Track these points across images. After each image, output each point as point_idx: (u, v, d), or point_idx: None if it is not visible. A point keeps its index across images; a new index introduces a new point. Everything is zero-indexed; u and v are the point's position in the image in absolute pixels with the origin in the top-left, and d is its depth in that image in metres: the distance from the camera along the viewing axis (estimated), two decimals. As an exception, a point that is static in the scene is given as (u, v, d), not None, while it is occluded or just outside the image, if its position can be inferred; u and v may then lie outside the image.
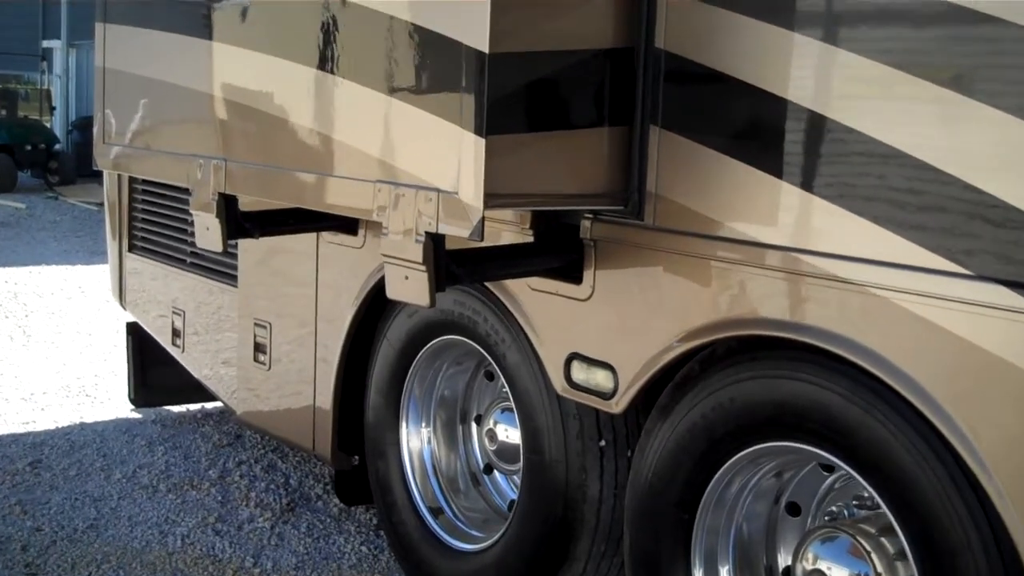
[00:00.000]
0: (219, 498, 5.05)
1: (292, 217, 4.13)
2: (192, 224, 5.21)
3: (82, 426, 6.05)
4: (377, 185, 3.21)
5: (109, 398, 6.57)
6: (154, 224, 5.65)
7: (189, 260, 5.37)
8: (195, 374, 5.38)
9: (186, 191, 5.22)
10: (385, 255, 3.21)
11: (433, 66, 3.07)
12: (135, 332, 6.04)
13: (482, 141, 2.86)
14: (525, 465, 3.72)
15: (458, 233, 2.96)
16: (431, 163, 3.05)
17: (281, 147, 3.63)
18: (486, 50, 2.84)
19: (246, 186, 3.84)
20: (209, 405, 6.34)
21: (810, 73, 2.77)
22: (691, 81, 3.03)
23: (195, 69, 4.04)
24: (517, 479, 4.12)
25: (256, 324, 4.80)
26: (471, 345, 3.92)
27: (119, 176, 5.81)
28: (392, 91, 3.18)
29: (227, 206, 3.95)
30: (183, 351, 5.41)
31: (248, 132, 3.81)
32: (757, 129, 2.89)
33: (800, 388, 2.83)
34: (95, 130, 4.72)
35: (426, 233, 3.05)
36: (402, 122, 3.15)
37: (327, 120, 3.45)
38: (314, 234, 4.41)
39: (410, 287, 3.14)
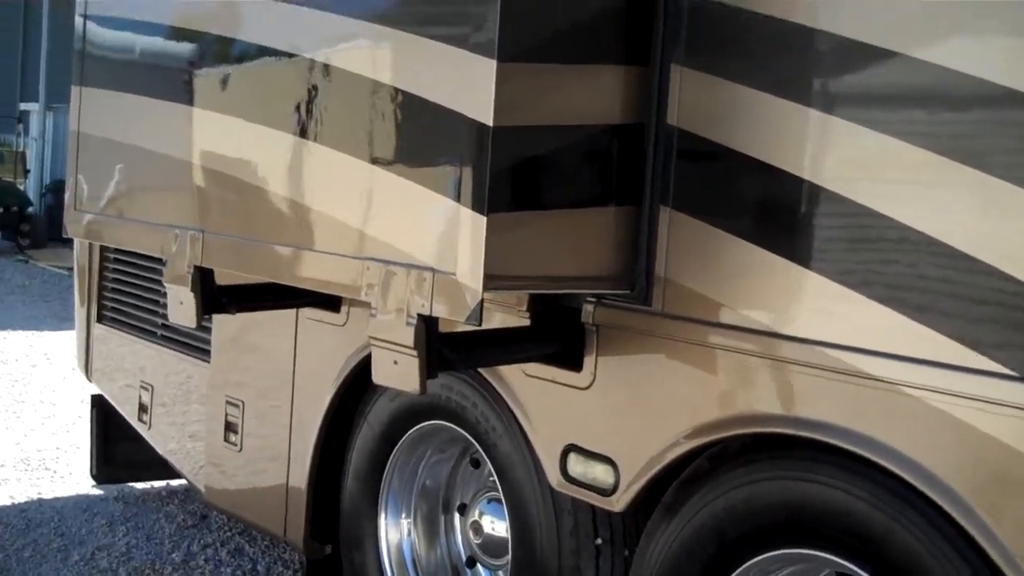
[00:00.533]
0: (183, 585, 4.78)
1: (271, 292, 3.91)
2: (165, 296, 5.04)
3: (40, 502, 5.76)
4: (365, 263, 3.01)
5: (70, 472, 6.27)
6: (124, 293, 5.42)
7: (160, 332, 5.13)
8: (161, 451, 5.12)
9: (158, 260, 5.05)
10: (373, 337, 2.99)
11: (428, 138, 2.88)
12: (100, 405, 5.78)
13: (482, 219, 2.66)
14: (513, 562, 3.48)
15: (454, 317, 2.75)
16: (424, 240, 2.86)
17: (262, 219, 3.42)
18: (490, 123, 2.65)
19: (223, 259, 3.63)
20: (174, 483, 6.06)
21: (834, 153, 2.60)
22: (705, 159, 2.85)
23: (172, 135, 3.84)
24: (503, 575, 3.90)
25: (228, 402, 4.56)
26: (458, 432, 3.70)
27: (90, 242, 5.59)
28: (381, 163, 2.99)
29: (203, 279, 3.73)
30: (149, 427, 5.15)
31: (227, 203, 3.61)
32: (775, 211, 2.71)
33: (819, 491, 2.62)
34: (67, 196, 4.51)
35: (418, 315, 2.85)
36: (392, 196, 2.96)
37: (312, 192, 3.25)
38: (293, 310, 4.19)
39: (399, 372, 2.92)
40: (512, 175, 2.73)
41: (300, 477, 4.21)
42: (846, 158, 2.58)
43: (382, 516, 3.99)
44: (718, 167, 2.82)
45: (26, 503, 5.73)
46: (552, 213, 2.82)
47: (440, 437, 3.87)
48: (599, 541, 3.31)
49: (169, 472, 5.88)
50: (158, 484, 6.06)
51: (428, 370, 2.88)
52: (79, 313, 5.78)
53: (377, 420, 3.94)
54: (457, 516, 4.03)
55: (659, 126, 2.88)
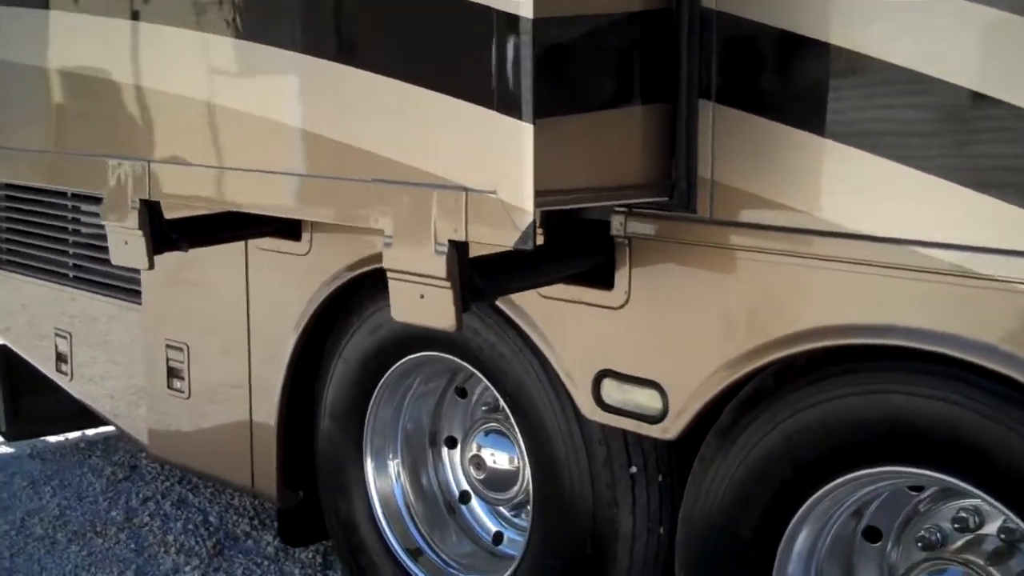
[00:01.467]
0: (132, 546, 4.38)
1: (225, 223, 3.50)
2: (75, 234, 4.55)
3: (-55, 468, 5.25)
4: (374, 185, 2.64)
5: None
6: (25, 234, 4.89)
7: (72, 275, 4.64)
8: (89, 404, 4.67)
9: (61, 195, 4.58)
10: (391, 270, 2.64)
11: (453, 40, 2.50)
12: (4, 356, 5.25)
13: (529, 128, 2.32)
14: (537, 500, 3.21)
15: (498, 242, 2.42)
16: (452, 157, 2.50)
17: (233, 144, 3.01)
18: (530, 15, 2.30)
19: (179, 190, 3.20)
20: (91, 432, 5.60)
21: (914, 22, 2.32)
22: (750, 44, 2.55)
23: (102, 55, 3.36)
24: (504, 510, 3.63)
25: (169, 346, 4.14)
26: (453, 362, 3.38)
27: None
28: (394, 72, 2.59)
29: (151, 215, 3.30)
30: (71, 378, 4.68)
31: (183, 127, 3.17)
32: (838, 96, 2.43)
33: (913, 403, 2.40)
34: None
35: (449, 242, 2.50)
36: (409, 109, 2.58)
37: (301, 109, 2.85)
38: (238, 242, 3.78)
39: (427, 307, 2.58)
40: (554, 75, 2.39)
41: (266, 421, 3.84)
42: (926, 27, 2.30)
43: (368, 459, 3.66)
44: (765, 51, 2.53)
45: (-71, 470, 5.22)
46: (593, 116, 2.49)
47: (429, 369, 3.55)
48: (633, 469, 3.06)
49: (84, 422, 5.45)
50: (73, 436, 5.58)
51: (463, 302, 2.55)
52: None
53: (355, 356, 3.59)
54: (446, 450, 3.73)
55: (693, 10, 2.56)
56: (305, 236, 3.60)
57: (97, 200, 4.38)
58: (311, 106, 2.81)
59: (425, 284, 2.56)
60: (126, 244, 3.35)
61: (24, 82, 3.73)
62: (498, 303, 3.08)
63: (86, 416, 5.36)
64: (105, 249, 4.32)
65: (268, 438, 3.84)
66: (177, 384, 4.14)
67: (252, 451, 3.91)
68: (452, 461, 3.74)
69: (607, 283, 2.85)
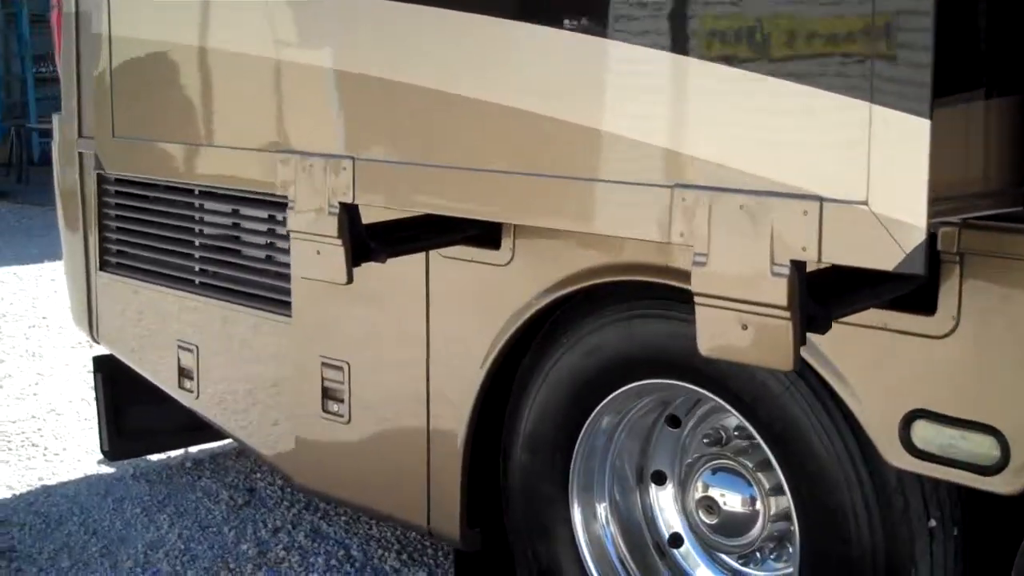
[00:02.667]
0: (274, 585, 3.95)
1: (424, 228, 3.06)
2: (202, 236, 4.10)
3: (46, 490, 4.81)
4: (678, 191, 2.19)
5: (64, 448, 5.31)
6: (140, 234, 4.44)
7: (199, 281, 4.19)
8: (219, 425, 4.22)
9: (186, 192, 4.13)
10: (703, 294, 2.19)
11: (806, 16, 2.05)
12: (105, 368, 4.82)
13: (924, 123, 1.87)
14: (808, 555, 2.76)
15: (872, 264, 1.98)
16: (800, 158, 2.05)
17: (485, 139, 2.55)
18: (929, -18, 1.85)
19: (400, 192, 2.75)
20: (194, 449, 5.17)
21: None
22: None
23: (294, 34, 2.91)
24: (728, 558, 3.18)
25: (326, 364, 3.69)
26: (694, 392, 2.94)
27: (80, 168, 4.57)
28: (716, 54, 2.14)
29: (351, 221, 2.85)
30: (197, 395, 4.24)
31: (410, 119, 2.71)
32: None
33: None
34: (94, 120, 3.52)
35: (791, 263, 2.06)
36: (737, 98, 2.12)
37: (579, 100, 2.38)
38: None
39: (753, 342, 2.14)
40: (957, 52, 1.94)
41: (448, 452, 3.39)
42: None
43: (574, 498, 3.22)
44: None
45: (29, 493, 4.78)
46: (987, 105, 2.04)
47: (654, 397, 3.11)
48: (932, 523, 2.62)
49: (189, 438, 5.04)
50: (175, 454, 5.15)
51: (801, 336, 2.10)
52: (71, 261, 4.77)
53: (564, 380, 3.14)
54: (653, 487, 3.29)
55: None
56: (506, 243, 3.15)
57: (230, 198, 3.98)
58: (589, 96, 2.36)
59: (751, 313, 2.12)
60: (318, 255, 2.89)
61: (173, 65, 3.30)
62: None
63: (191, 432, 4.98)
64: (237, 253, 3.92)
65: (450, 471, 3.39)
66: (334, 407, 3.70)
67: (429, 485, 3.46)
68: (660, 500, 3.30)
69: (927, 307, 2.40)
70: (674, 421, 3.20)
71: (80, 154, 4.58)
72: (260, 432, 4.02)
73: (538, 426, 3.23)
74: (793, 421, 2.70)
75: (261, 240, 3.95)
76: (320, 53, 2.84)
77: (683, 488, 3.21)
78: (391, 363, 3.51)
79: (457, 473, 3.38)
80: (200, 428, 4.99)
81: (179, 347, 4.27)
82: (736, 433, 3.08)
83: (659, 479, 3.28)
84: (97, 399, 4.87)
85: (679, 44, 2.19)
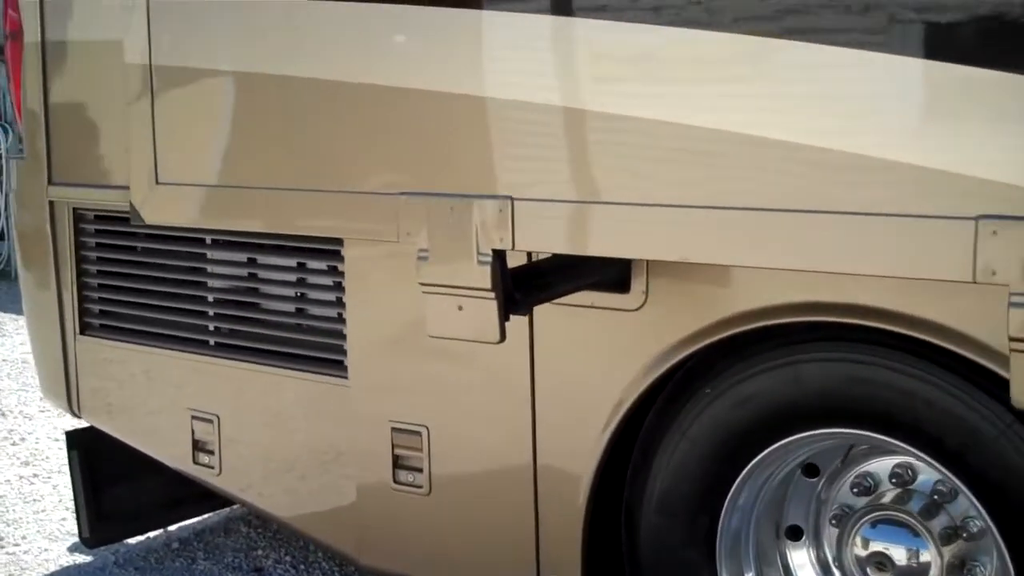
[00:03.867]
0: None
1: (551, 273, 2.71)
2: (212, 290, 3.64)
3: (26, 593, 4.22)
4: (988, 224, 1.91)
5: (23, 536, 4.69)
6: (133, 291, 3.94)
7: (215, 341, 3.73)
8: (251, 503, 3.75)
9: (194, 241, 3.67)
10: (1019, 340, 1.91)
11: None
12: (82, 444, 4.27)
13: None
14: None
15: None
16: None
17: (701, 170, 2.22)
18: None
19: (575, 235, 2.40)
20: (174, 527, 4.64)
21: None
22: None
23: (421, 58, 2.52)
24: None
25: (397, 429, 3.28)
26: (876, 439, 2.67)
27: (52, 218, 4.04)
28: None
29: (502, 269, 2.49)
30: (219, 471, 3.76)
31: (578, 152, 2.36)
32: None
33: None
34: (138, 168, 3.04)
35: None
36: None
37: (846, 122, 2.08)
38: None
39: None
40: None
41: (563, 524, 3.03)
42: None
43: (722, 564, 2.90)
44: None
45: (5, 596, 4.19)
46: None
47: (812, 447, 2.82)
48: None
49: (173, 515, 4.53)
50: (154, 534, 4.61)
51: None
52: (40, 323, 4.22)
53: (708, 434, 2.83)
54: (788, 544, 3.00)
55: None
56: (637, 287, 2.83)
57: (252, 246, 3.55)
58: (858, 117, 2.06)
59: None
60: (460, 311, 2.52)
61: (246, 97, 2.86)
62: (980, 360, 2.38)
63: (176, 508, 4.50)
64: (266, 308, 3.50)
65: (565, 544, 3.04)
66: (408, 477, 3.29)
67: (538, 563, 3.09)
68: (795, 557, 3.01)
69: None
70: (811, 470, 2.93)
71: (51, 203, 4.05)
72: (307, 508, 3.58)
73: (675, 486, 2.91)
74: (1013, 469, 2.45)
75: (302, 293, 3.53)
76: (467, 80, 2.47)
77: (819, 542, 2.95)
78: (483, 426, 3.14)
79: (575, 546, 3.02)
80: (185, 502, 4.55)
81: (193, 417, 3.79)
82: (894, 481, 2.83)
83: (794, 534, 3.00)
84: (74, 480, 4.30)
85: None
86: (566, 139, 2.37)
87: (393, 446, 3.30)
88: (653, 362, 2.83)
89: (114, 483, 4.35)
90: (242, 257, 3.65)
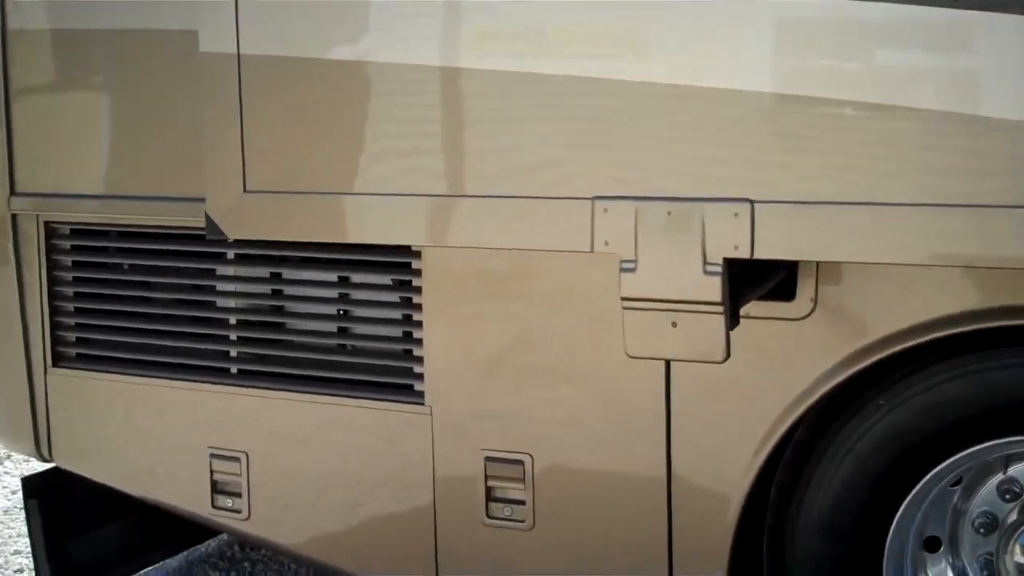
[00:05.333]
0: None
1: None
2: (232, 309, 3.22)
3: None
4: None
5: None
6: (120, 315, 3.44)
7: (237, 369, 3.28)
8: (292, 548, 3.31)
9: (205, 253, 3.25)
10: None
11: None
12: (40, 492, 3.71)
13: None
14: None
15: None
16: None
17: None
18: None
19: (829, 240, 2.15)
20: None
21: None
22: None
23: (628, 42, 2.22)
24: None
25: (492, 459, 2.95)
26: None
27: (15, 235, 3.49)
28: None
29: (732, 280, 2.22)
30: (247, 515, 3.31)
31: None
32: None
33: None
34: (217, 175, 2.60)
35: None
36: None
37: None
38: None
39: None
40: None
41: (704, 557, 2.78)
42: None
43: (887, 587, 2.72)
44: None
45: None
46: None
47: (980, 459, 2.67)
48: None
49: (135, 564, 4.04)
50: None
51: None
52: (-5, 357, 3.64)
53: (880, 449, 2.64)
54: (926, 555, 2.86)
55: None
56: (805, 292, 2.60)
57: (270, 259, 3.16)
58: None
59: None
60: (673, 328, 2.23)
61: (368, 88, 2.48)
62: None
63: (138, 556, 4.02)
64: (293, 329, 3.12)
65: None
66: (506, 511, 2.97)
67: (669, 592, 2.83)
68: (933, 570, 2.87)
69: None
70: (957, 478, 2.80)
71: (14, 216, 3.49)
72: (368, 551, 3.18)
73: (838, 505, 2.70)
74: None
75: (350, 312, 3.15)
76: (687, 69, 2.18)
77: (956, 552, 2.83)
78: (603, 450, 2.85)
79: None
80: (147, 549, 4.08)
81: (212, 456, 3.32)
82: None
83: (932, 546, 2.85)
84: (32, 532, 3.73)
85: None
86: (818, 133, 2.13)
87: (486, 477, 2.97)
88: (823, 376, 2.61)
89: (76, 533, 3.82)
90: (266, 272, 3.23)
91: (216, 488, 3.34)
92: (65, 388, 3.52)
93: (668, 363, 2.73)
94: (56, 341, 3.51)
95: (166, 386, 3.36)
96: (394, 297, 3.08)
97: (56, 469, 3.73)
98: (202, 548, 4.42)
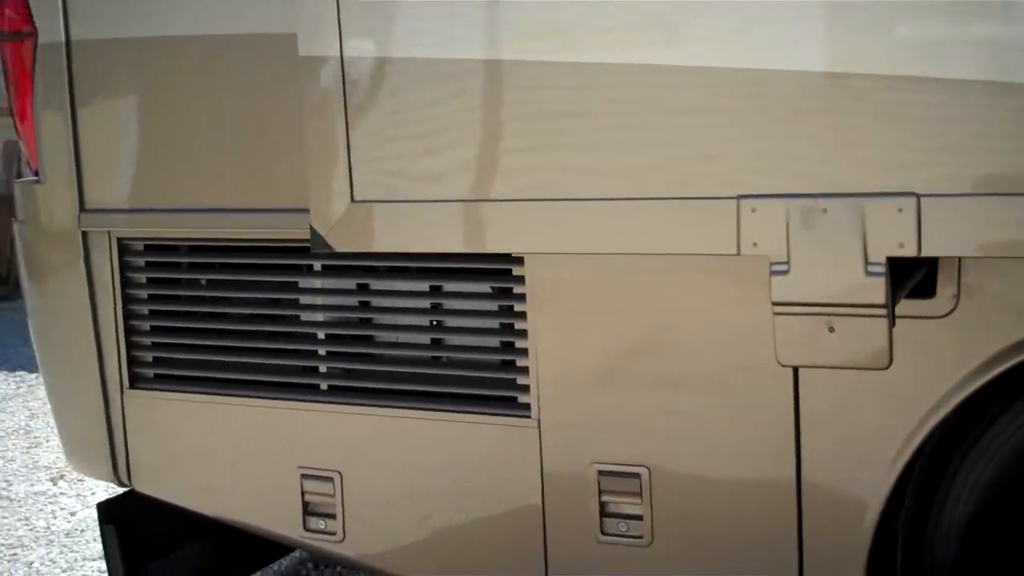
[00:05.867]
0: None
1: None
2: (321, 323, 3.09)
3: None
4: None
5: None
6: (205, 331, 3.31)
7: (328, 385, 3.15)
8: (392, 571, 3.18)
9: (289, 266, 3.12)
10: None
11: None
12: (118, 517, 3.59)
13: None
14: None
15: None
16: None
17: None
18: None
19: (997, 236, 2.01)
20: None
21: None
22: None
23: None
24: None
25: (605, 472, 2.82)
26: None
27: (86, 252, 3.36)
28: None
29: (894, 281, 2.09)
30: (343, 537, 3.18)
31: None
32: None
33: None
34: (322, 184, 2.46)
35: None
36: None
37: None
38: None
39: None
40: None
41: (832, 563, 2.65)
42: None
43: (1037, 592, 2.58)
44: None
45: None
46: None
47: None
48: None
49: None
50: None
51: None
52: (68, 379, 3.51)
53: (1032, 449, 2.50)
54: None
55: None
56: (946, 289, 2.46)
57: (357, 269, 3.03)
58: None
59: None
60: (831, 333, 2.10)
61: (494, 90, 2.34)
62: None
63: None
64: (387, 342, 3.00)
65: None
66: (622, 527, 2.84)
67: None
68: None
69: None
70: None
71: (84, 233, 3.36)
72: (470, 571, 3.05)
73: (982, 513, 2.57)
74: None
75: (442, 322, 3.03)
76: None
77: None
78: (726, 461, 2.71)
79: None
80: (226, 569, 3.98)
81: (303, 476, 3.19)
82: None
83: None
84: (110, 560, 3.61)
85: None
86: (993, 122, 1.99)
87: (600, 491, 2.84)
88: (966, 376, 2.47)
89: (152, 558, 3.70)
90: (353, 284, 3.10)
91: (308, 510, 3.21)
92: (143, 410, 3.39)
93: (796, 369, 2.60)
94: (132, 362, 3.38)
95: (252, 405, 3.23)
96: (492, 306, 2.95)
97: (131, 492, 3.61)
98: (274, 567, 4.31)
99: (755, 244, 2.12)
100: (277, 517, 3.25)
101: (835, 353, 2.12)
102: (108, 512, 3.59)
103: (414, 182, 2.40)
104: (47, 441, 6.24)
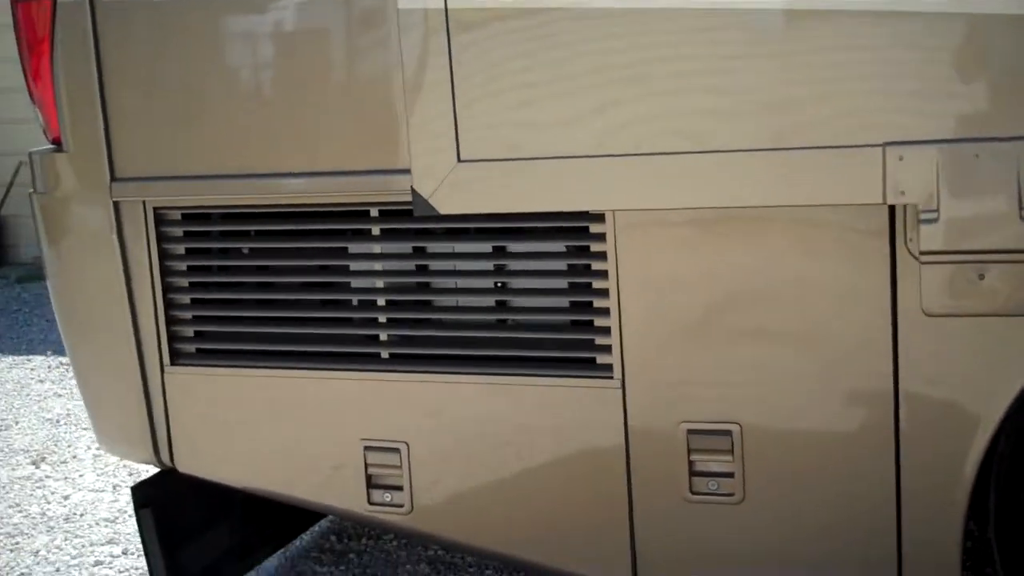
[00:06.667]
0: None
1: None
2: (380, 290, 2.99)
3: None
4: None
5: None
6: (250, 303, 3.18)
7: (389, 353, 3.05)
8: (464, 542, 3.10)
9: (333, 231, 3.02)
10: None
11: None
12: (154, 499, 3.45)
13: None
14: None
15: None
16: None
17: None
18: None
19: None
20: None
21: None
22: None
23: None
24: None
25: (693, 431, 2.77)
26: None
27: (118, 224, 3.20)
28: None
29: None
30: (410, 508, 3.09)
31: None
32: None
33: None
34: (424, 145, 2.35)
35: None
36: None
37: None
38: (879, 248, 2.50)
39: None
40: None
41: (936, 531, 2.63)
42: None
43: None
44: None
45: None
46: None
47: None
48: None
49: (245, 564, 3.82)
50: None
51: None
52: (100, 358, 3.35)
53: None
54: None
55: None
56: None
57: (416, 232, 2.94)
58: None
59: None
60: (980, 280, 2.06)
61: (611, 39, 2.25)
62: None
63: (248, 556, 3.81)
64: (451, 307, 2.93)
65: (936, 550, 2.64)
66: (711, 485, 2.79)
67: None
68: None
69: None
70: None
71: (116, 204, 3.20)
72: (549, 538, 2.98)
73: (1082, 455, 2.58)
74: None
75: (507, 283, 2.94)
76: None
77: None
78: (821, 417, 2.68)
79: (953, 552, 2.63)
80: (255, 547, 3.88)
81: (366, 448, 3.09)
82: None
83: None
84: (146, 543, 3.48)
85: None
86: None
87: (689, 451, 2.79)
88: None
89: (187, 539, 3.58)
90: (409, 248, 3.00)
91: (372, 483, 3.11)
92: (185, 387, 3.26)
93: (895, 319, 2.56)
94: (172, 338, 3.24)
95: (306, 376, 3.12)
96: (563, 265, 2.87)
97: (161, 474, 3.48)
98: (297, 543, 4.20)
99: (903, 193, 2.07)
100: (338, 491, 3.15)
101: (986, 301, 2.08)
102: (143, 496, 3.46)
103: (528, 137, 2.30)
104: (16, 424, 6.01)
